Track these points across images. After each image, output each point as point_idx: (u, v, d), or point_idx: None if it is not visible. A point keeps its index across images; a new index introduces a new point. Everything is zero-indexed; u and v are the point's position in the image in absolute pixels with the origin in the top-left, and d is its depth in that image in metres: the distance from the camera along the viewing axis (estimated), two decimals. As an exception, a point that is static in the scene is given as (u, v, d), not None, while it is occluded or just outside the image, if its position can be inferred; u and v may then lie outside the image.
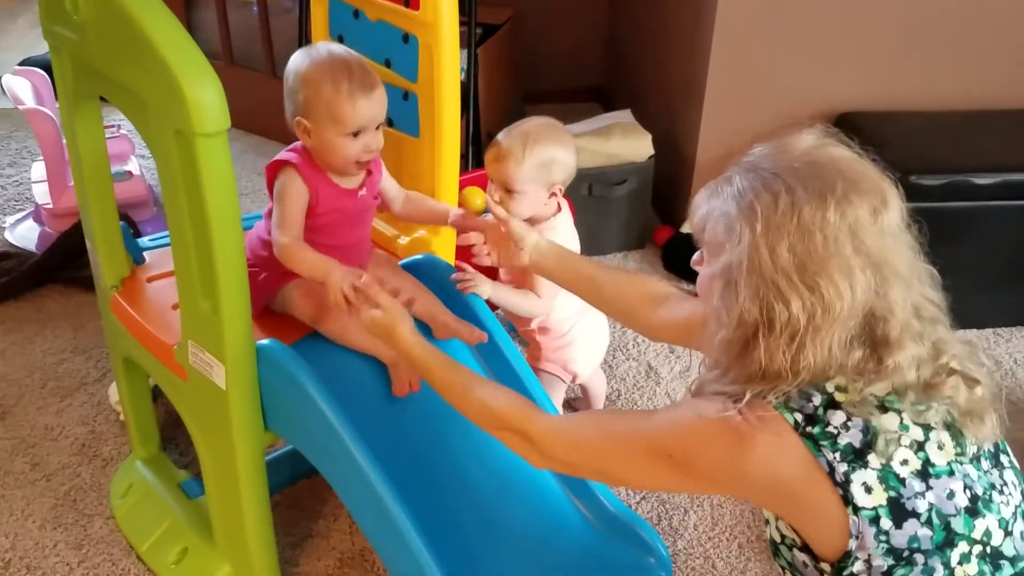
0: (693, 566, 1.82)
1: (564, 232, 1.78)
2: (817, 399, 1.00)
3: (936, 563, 0.99)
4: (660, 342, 1.45)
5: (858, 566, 0.99)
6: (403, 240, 1.79)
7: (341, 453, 1.44)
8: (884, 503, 0.98)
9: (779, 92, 2.73)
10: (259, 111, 3.06)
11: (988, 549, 1.01)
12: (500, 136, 1.73)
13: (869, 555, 0.99)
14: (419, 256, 1.70)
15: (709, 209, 1.06)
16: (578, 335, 1.89)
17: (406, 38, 1.66)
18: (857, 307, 0.97)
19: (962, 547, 1.00)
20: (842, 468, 0.98)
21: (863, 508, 0.98)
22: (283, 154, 1.46)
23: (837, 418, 0.99)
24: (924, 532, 0.98)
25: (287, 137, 1.45)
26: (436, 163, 1.68)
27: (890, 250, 0.99)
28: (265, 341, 1.47)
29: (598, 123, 2.99)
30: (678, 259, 2.79)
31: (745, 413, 1.00)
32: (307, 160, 1.45)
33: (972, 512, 1.00)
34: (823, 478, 0.98)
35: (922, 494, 0.99)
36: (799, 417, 0.99)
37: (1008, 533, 1.03)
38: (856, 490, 0.98)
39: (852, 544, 0.99)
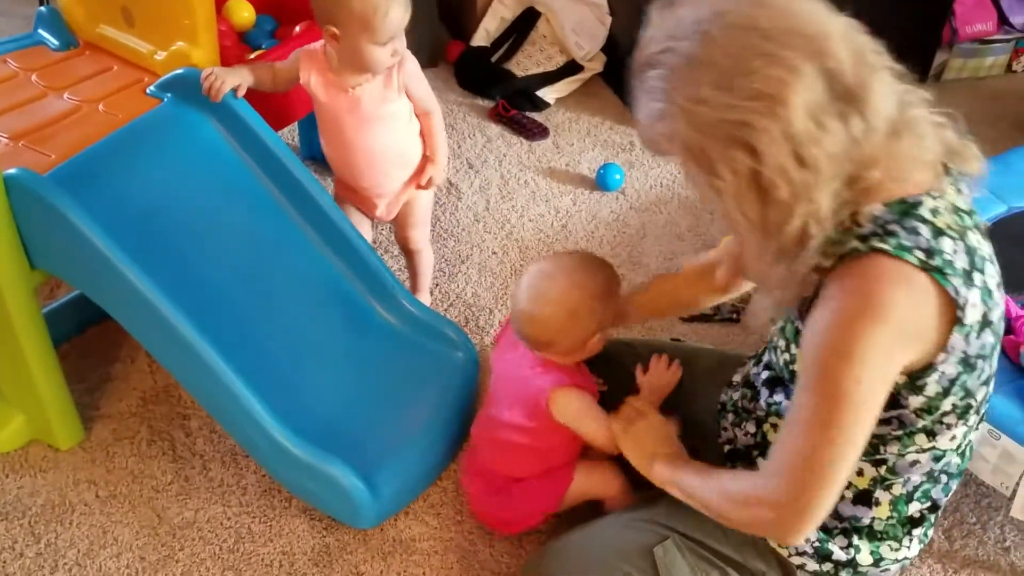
0: (501, 359, 1.88)
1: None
2: (925, 230, 0.95)
3: (986, 365, 1.01)
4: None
5: (933, 376, 0.98)
6: (160, 55, 1.65)
7: (115, 281, 1.37)
8: (979, 318, 0.97)
9: None
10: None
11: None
12: None
13: (946, 365, 0.98)
14: (180, 71, 1.58)
15: (647, 126, 1.00)
16: None
17: None
18: (807, 75, 0.89)
19: (996, 348, 1.03)
20: (963, 291, 0.94)
21: (966, 325, 0.95)
22: None
23: (947, 244, 0.95)
24: (989, 339, 0.99)
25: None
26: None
27: (792, 15, 0.92)
28: (12, 170, 1.34)
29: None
30: (472, 74, 2.76)
31: (858, 271, 0.94)
32: None
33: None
34: (950, 305, 0.94)
35: (998, 303, 1.00)
36: (919, 254, 0.93)
37: None
38: (968, 310, 0.95)
39: (940, 358, 0.96)
